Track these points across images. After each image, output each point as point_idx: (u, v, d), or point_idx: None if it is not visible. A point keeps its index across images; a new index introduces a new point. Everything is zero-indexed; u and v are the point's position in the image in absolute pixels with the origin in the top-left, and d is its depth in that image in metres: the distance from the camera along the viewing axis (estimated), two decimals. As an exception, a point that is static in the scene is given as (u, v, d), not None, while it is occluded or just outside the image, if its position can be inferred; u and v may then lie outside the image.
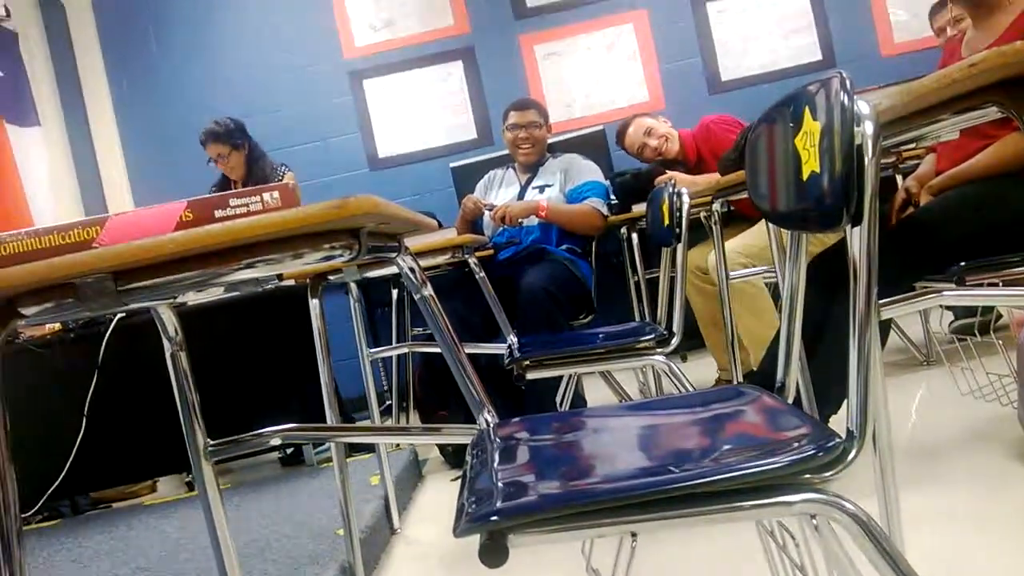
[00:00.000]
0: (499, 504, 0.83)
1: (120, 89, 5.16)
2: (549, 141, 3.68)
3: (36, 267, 0.94)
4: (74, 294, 0.99)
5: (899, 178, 3.37)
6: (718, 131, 3.45)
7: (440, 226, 3.91)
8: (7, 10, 2.57)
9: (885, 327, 2.65)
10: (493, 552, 0.80)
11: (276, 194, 1.03)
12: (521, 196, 3.50)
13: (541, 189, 3.47)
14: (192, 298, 2.70)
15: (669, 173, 3.43)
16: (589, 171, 3.49)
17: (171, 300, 1.36)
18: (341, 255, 1.06)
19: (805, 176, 0.93)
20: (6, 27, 4.53)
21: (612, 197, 3.71)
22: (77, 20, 5.13)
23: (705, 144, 3.51)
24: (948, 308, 3.68)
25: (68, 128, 5.01)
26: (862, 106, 0.84)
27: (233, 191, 1.04)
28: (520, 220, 3.34)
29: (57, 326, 3.26)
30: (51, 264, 0.94)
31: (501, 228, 3.43)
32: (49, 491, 3.13)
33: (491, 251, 3.51)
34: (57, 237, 1.01)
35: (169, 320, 1.49)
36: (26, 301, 0.99)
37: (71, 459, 3.11)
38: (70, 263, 0.94)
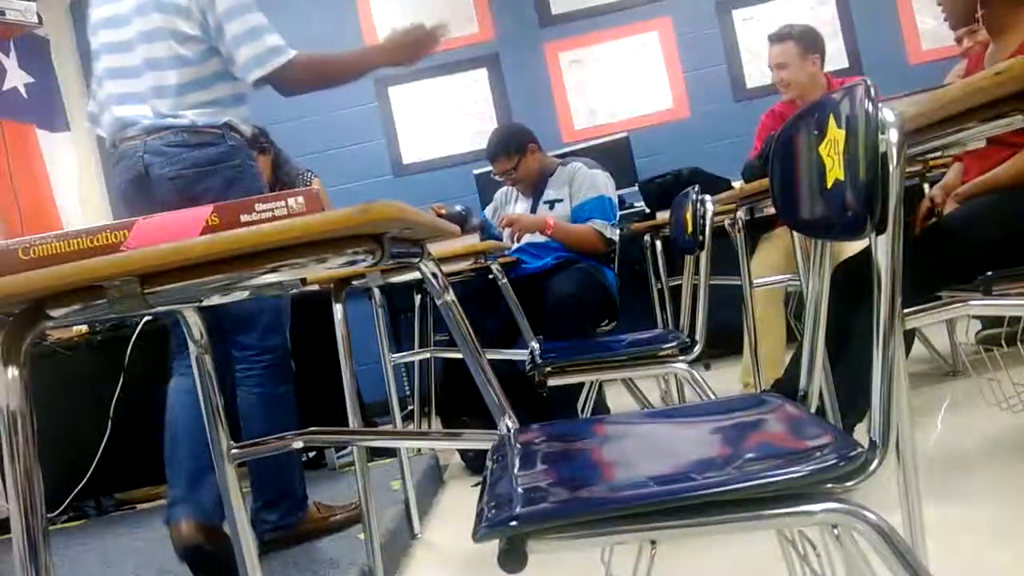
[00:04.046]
0: (518, 509, 0.83)
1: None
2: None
3: (64, 270, 0.94)
4: (101, 296, 1.00)
5: (926, 187, 3.33)
6: None
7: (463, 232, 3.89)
8: (39, 17, 2.61)
9: (909, 336, 2.62)
10: (512, 557, 0.80)
11: (301, 199, 1.04)
12: (533, 211, 3.45)
13: (552, 204, 3.40)
14: (217, 301, 2.72)
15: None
16: (592, 186, 3.38)
17: (196, 303, 1.37)
18: (364, 260, 1.06)
19: (829, 184, 0.93)
20: (38, 34, 4.59)
21: (618, 213, 3.55)
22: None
23: None
24: (976, 317, 3.64)
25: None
26: (887, 114, 0.83)
27: (258, 196, 1.05)
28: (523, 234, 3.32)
29: (83, 329, 3.29)
30: (79, 267, 0.94)
31: (518, 244, 3.42)
32: (75, 491, 3.17)
33: (512, 259, 3.47)
34: (85, 240, 1.02)
35: (194, 323, 1.50)
36: (54, 303, 1.00)
37: (96, 460, 3.14)
38: (98, 266, 0.95)
